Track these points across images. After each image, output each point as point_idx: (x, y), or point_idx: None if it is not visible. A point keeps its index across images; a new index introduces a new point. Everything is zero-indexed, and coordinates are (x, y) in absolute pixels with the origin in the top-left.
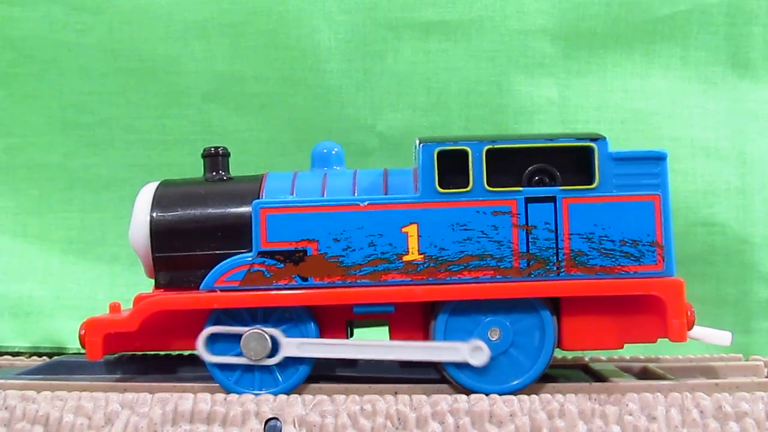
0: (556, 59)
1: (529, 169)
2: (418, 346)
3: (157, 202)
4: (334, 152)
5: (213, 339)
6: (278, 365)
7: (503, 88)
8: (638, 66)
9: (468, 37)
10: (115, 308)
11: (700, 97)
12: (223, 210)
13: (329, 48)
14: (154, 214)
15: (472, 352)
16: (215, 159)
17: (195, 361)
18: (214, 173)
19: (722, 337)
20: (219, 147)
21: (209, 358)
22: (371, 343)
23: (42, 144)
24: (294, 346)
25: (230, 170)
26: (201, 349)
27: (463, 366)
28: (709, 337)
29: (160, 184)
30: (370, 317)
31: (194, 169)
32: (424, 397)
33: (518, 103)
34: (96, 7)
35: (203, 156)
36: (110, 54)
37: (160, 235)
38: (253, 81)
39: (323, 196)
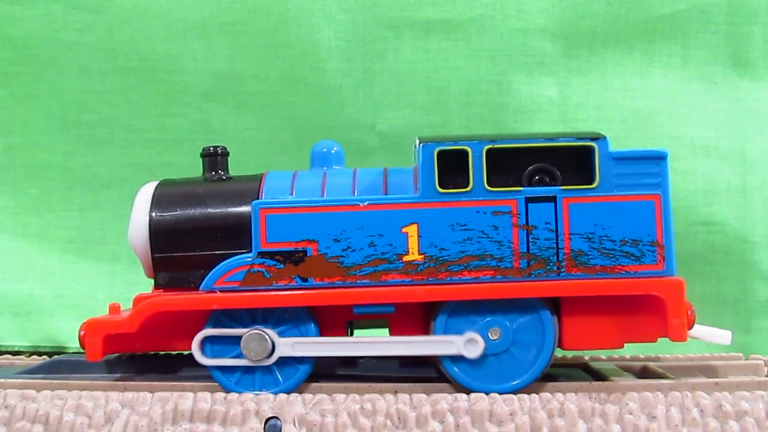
0: (557, 58)
1: (530, 168)
2: (413, 341)
3: (157, 202)
4: (333, 151)
5: (212, 340)
6: (278, 366)
7: (503, 87)
8: (638, 65)
9: (468, 36)
10: (114, 309)
11: (701, 96)
12: (222, 210)
13: (329, 47)
14: (154, 214)
15: (466, 344)
16: (214, 158)
17: (195, 360)
18: (213, 173)
19: (722, 336)
20: (218, 146)
21: (205, 361)
22: (366, 340)
23: (42, 143)
24: (288, 346)
25: (230, 169)
26: (196, 352)
27: (464, 365)
28: (709, 336)
29: (159, 184)
30: (371, 318)
31: (194, 168)
32: (424, 396)
33: (518, 102)
34: (96, 6)
35: (202, 155)
36: (110, 53)
37: (160, 235)
38: (253, 80)
39: (323, 195)
